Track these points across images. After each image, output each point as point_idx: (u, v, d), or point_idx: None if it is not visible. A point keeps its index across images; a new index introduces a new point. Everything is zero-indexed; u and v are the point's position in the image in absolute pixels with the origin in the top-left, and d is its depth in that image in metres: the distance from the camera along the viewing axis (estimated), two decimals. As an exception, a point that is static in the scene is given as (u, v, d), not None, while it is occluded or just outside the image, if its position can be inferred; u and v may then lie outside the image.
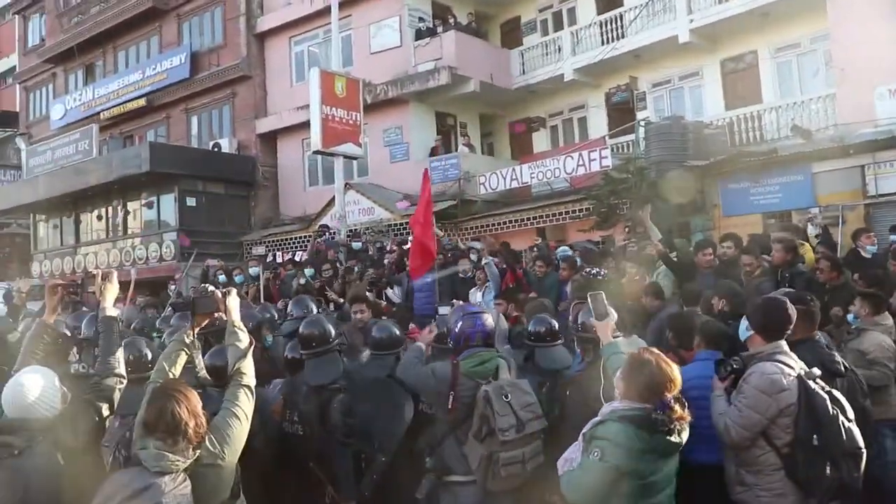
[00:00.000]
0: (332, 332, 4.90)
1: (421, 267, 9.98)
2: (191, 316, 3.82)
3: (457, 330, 4.38)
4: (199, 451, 3.01)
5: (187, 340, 3.71)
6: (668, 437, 3.33)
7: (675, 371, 3.45)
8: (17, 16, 33.40)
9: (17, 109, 33.29)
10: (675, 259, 8.72)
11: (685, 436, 3.42)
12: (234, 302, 3.79)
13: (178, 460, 2.91)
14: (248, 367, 3.52)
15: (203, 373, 3.93)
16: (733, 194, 15.14)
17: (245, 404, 3.36)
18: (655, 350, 3.66)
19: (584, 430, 3.51)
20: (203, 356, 4.15)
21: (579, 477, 3.39)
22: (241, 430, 3.27)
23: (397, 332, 5.24)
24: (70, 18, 29.13)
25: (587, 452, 3.39)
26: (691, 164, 14.85)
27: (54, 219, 26.18)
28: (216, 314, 3.83)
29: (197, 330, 3.79)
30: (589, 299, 4.39)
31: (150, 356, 4.61)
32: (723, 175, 15.17)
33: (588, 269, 9.18)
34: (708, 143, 15.53)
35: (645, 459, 3.33)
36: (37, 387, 3.32)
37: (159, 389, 3.15)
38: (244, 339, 3.64)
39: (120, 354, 3.90)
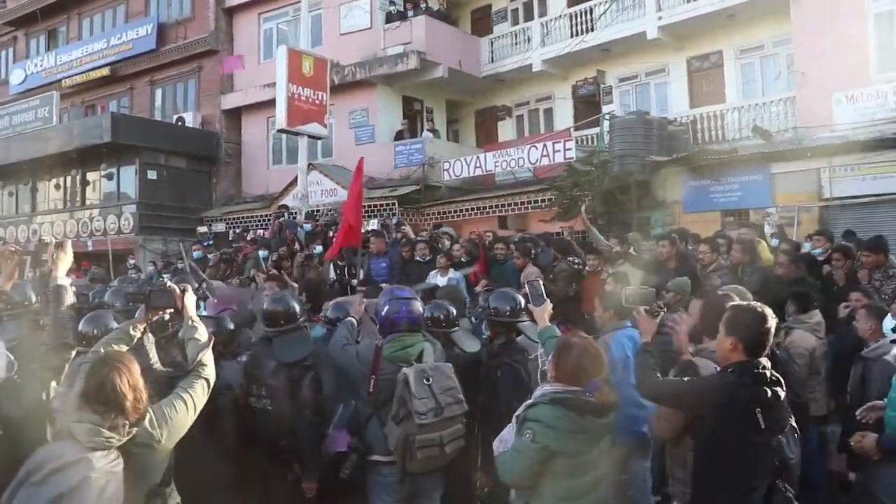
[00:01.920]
0: (298, 309, 4.91)
1: (335, 248, 10.41)
2: (145, 309, 3.73)
3: (383, 314, 4.44)
4: (135, 430, 2.92)
5: (133, 332, 3.61)
6: (597, 419, 3.45)
7: (602, 355, 3.61)
8: (-23, -24, 32.61)
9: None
10: (637, 255, 8.88)
11: (613, 417, 3.55)
12: (190, 298, 3.74)
13: (113, 437, 2.82)
14: (208, 359, 3.49)
15: (158, 365, 3.81)
16: (694, 191, 15.38)
17: (198, 394, 3.31)
18: (584, 334, 3.82)
19: (516, 413, 3.60)
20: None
21: (512, 458, 3.48)
22: (185, 418, 3.20)
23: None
24: (34, -19, 28.51)
25: (520, 434, 3.48)
26: (654, 160, 15.03)
27: (10, 186, 25.71)
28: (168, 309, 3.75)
29: (143, 325, 3.69)
30: (526, 286, 4.51)
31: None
32: (684, 172, 15.39)
33: (571, 259, 9.36)
34: (671, 140, 15.69)
35: (576, 440, 3.42)
36: None
37: (100, 360, 3.05)
38: (203, 332, 3.62)
39: (69, 324, 3.88)
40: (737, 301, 3.68)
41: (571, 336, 3.81)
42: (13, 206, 25.64)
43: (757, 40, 17.36)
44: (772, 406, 3.25)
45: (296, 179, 18.29)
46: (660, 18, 17.71)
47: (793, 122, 15.05)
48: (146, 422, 2.99)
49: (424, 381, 4.11)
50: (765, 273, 7.60)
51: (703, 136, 16.44)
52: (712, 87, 17.98)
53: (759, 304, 3.44)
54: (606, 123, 16.73)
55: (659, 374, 3.60)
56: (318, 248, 12.43)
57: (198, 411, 3.29)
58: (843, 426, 5.44)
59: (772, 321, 3.33)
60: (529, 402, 3.58)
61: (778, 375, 3.36)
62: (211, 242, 15.35)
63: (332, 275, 11.10)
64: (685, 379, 3.55)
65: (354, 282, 10.37)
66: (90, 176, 23.24)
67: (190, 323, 3.67)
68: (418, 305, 4.56)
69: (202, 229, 19.65)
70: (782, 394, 3.32)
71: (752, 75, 17.66)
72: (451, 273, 9.85)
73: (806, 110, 14.60)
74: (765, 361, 3.33)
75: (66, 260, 4.05)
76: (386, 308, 4.44)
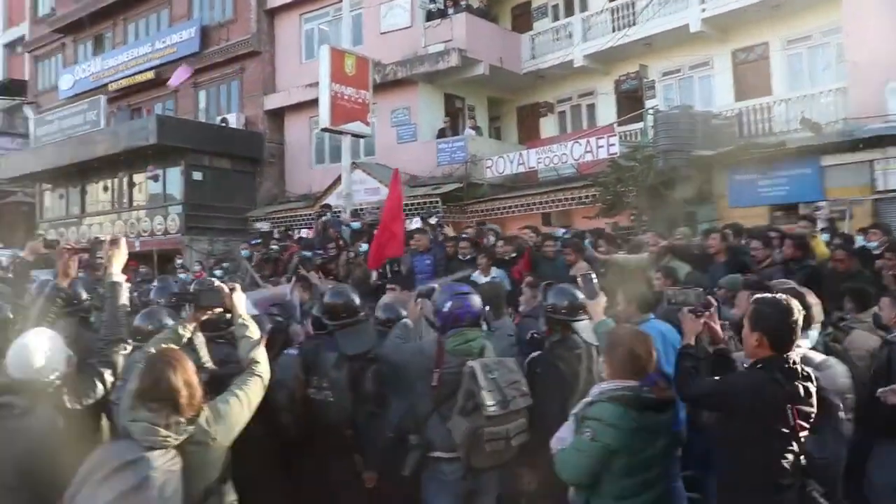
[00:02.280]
0: (358, 301, 4.93)
1: (378, 257, 10.38)
2: (193, 308, 3.75)
3: (445, 310, 4.38)
4: (191, 429, 2.93)
5: (182, 332, 3.63)
6: (656, 415, 3.43)
7: (653, 346, 3.58)
8: (27, -16, 33.32)
9: (27, 78, 33.23)
10: (684, 246, 8.72)
11: (671, 412, 3.53)
12: (239, 296, 3.74)
13: (169, 436, 2.84)
14: (261, 356, 3.50)
15: (210, 364, 3.84)
16: (740, 185, 15.13)
17: (253, 391, 3.32)
18: (630, 326, 3.80)
19: (574, 411, 3.59)
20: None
21: (572, 456, 3.46)
22: (240, 415, 3.21)
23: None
24: (81, -12, 29.04)
25: (579, 432, 3.46)
26: (699, 154, 14.83)
27: (60, 188, 26.25)
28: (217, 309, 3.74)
29: (194, 324, 3.71)
30: (579, 280, 4.48)
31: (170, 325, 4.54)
32: (730, 166, 15.15)
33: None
34: (716, 134, 15.47)
35: (636, 437, 3.37)
36: (42, 349, 3.32)
37: (154, 357, 3.07)
38: (254, 330, 3.62)
39: (124, 320, 3.89)
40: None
41: (620, 328, 3.80)
42: (64, 209, 26.15)
43: (804, 30, 17.02)
44: (802, 402, 3.21)
45: (339, 178, 18.37)
46: (703, 11, 17.48)
47: (843, 114, 14.75)
48: (202, 419, 3.00)
49: (489, 374, 4.06)
50: (816, 268, 7.43)
51: (750, 130, 16.17)
52: (758, 79, 17.64)
53: (784, 296, 3.39)
54: (650, 118, 16.57)
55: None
56: (364, 247, 12.44)
57: (253, 408, 3.29)
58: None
59: (798, 314, 3.28)
60: (587, 399, 3.56)
61: (809, 371, 3.32)
62: (260, 241, 15.47)
63: (375, 274, 11.12)
64: (717, 378, 3.50)
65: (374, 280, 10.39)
66: (137, 177, 23.60)
67: (240, 321, 3.65)
68: (479, 300, 4.49)
69: (263, 226, 19.62)
70: (813, 389, 3.27)
71: (800, 66, 17.34)
72: (494, 271, 9.77)
73: (858, 101, 14.29)
74: (794, 356, 3.29)
75: (121, 257, 4.04)
76: (449, 303, 4.37)
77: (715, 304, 3.98)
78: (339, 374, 4.56)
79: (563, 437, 3.58)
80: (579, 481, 3.51)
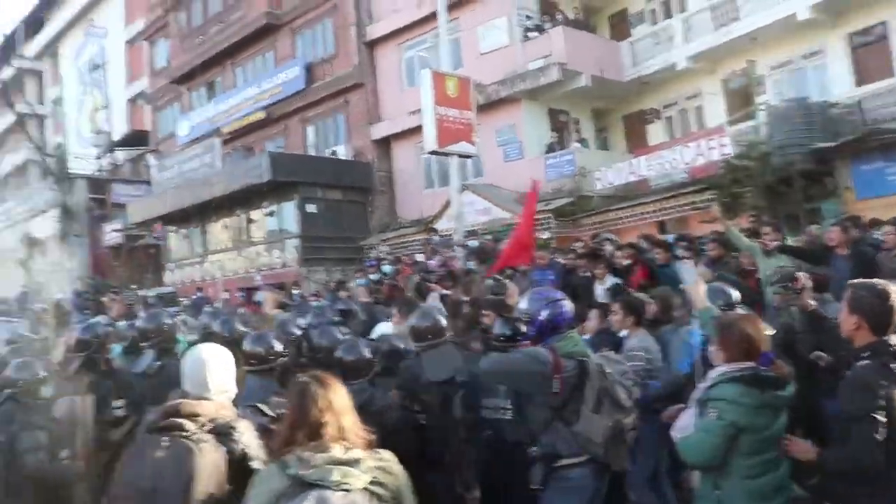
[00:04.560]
0: (445, 323, 4.91)
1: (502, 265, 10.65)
2: None
3: (542, 318, 4.27)
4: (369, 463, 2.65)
5: None
6: (777, 392, 3.47)
7: (760, 326, 3.65)
8: (145, 42, 35.27)
9: (148, 128, 35.14)
10: (798, 246, 8.37)
11: (791, 389, 3.54)
12: None
13: (352, 474, 2.56)
14: None
15: None
16: (867, 175, 14.40)
17: None
18: (738, 310, 3.98)
19: (695, 396, 3.66)
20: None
21: (699, 439, 3.49)
22: None
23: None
24: (192, 40, 30.49)
25: (703, 415, 3.52)
26: (818, 147, 14.22)
27: (183, 229, 27.48)
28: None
29: None
30: (678, 266, 4.81)
31: (277, 348, 4.61)
32: (854, 156, 14.45)
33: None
34: (836, 124, 14.82)
35: (760, 415, 3.42)
36: (218, 366, 3.25)
37: (298, 384, 2.82)
38: None
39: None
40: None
41: (729, 313, 3.90)
42: (188, 248, 27.32)
43: (925, 4, 16.09)
44: None
45: (449, 201, 18.50)
46: (812, -4, 16.81)
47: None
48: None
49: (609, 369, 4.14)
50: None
51: (873, 116, 15.39)
52: (879, 61, 16.75)
53: (880, 281, 3.46)
54: (762, 114, 16.02)
55: None
56: (473, 265, 12.49)
57: None
58: None
59: (895, 298, 3.32)
60: (707, 383, 3.60)
61: None
62: (375, 262, 15.78)
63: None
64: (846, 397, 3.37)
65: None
66: (254, 214, 24.42)
67: None
68: (571, 305, 4.41)
69: (382, 250, 19.95)
70: None
71: (926, 43, 16.39)
72: (609, 279, 9.60)
73: None
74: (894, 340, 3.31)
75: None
76: (546, 312, 4.27)
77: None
78: (431, 398, 4.58)
79: (684, 425, 3.65)
80: (709, 463, 3.52)
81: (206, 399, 3.14)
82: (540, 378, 4.09)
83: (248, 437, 3.07)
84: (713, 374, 3.61)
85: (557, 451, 4.10)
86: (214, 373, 3.23)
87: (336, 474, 2.54)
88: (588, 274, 10.23)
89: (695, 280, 4.47)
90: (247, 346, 4.55)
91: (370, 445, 2.74)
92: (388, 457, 2.75)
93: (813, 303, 5.10)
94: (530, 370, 4.16)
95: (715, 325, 3.83)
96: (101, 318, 9.16)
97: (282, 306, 7.59)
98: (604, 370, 4.06)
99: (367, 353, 4.52)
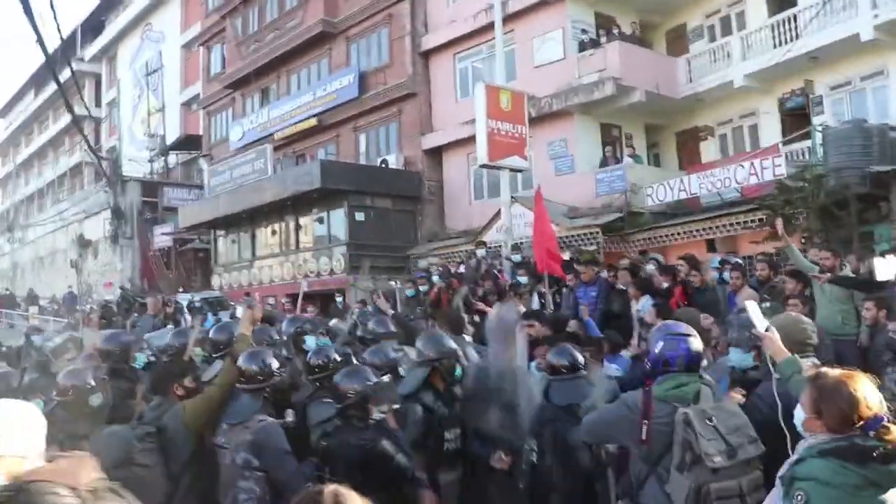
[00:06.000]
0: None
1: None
2: None
3: (656, 352, 3.91)
4: None
5: None
6: (886, 466, 2.72)
7: (865, 385, 2.91)
8: (201, 47, 35.89)
9: (201, 133, 35.70)
10: (849, 275, 8.20)
11: None
12: None
13: None
14: None
15: None
16: (922, 201, 14.07)
17: None
18: (835, 370, 3.06)
19: (780, 473, 2.99)
20: None
21: None
22: None
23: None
24: (248, 46, 30.89)
25: (789, 497, 2.85)
26: (875, 170, 13.92)
27: (232, 234, 27.77)
28: None
29: None
30: (747, 307, 4.11)
31: (273, 366, 4.71)
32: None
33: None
34: (894, 147, 14.50)
35: (861, 497, 2.73)
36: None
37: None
38: None
39: None
40: None
41: (826, 371, 3.07)
42: (236, 253, 27.60)
43: None
44: None
45: (498, 213, 18.46)
46: (876, 17, 16.45)
47: None
48: None
49: (707, 420, 3.53)
50: None
51: (934, 140, 15.03)
52: (944, 84, 16.44)
53: None
54: (818, 136, 15.74)
55: None
56: (524, 279, 12.43)
57: None
58: None
59: None
60: (794, 457, 2.98)
61: None
62: (425, 274, 15.77)
63: (536, 303, 11.08)
64: None
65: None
66: (303, 221, 24.58)
67: None
68: (698, 343, 3.97)
69: (431, 261, 20.00)
70: None
71: None
72: (644, 300, 9.47)
73: None
74: None
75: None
76: (660, 344, 3.92)
77: None
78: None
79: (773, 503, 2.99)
80: None
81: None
82: (627, 424, 3.81)
83: None
84: (802, 446, 3.01)
85: None
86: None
87: None
88: (624, 287, 10.19)
89: (767, 326, 3.86)
90: (241, 362, 4.59)
91: None
92: None
93: None
94: (618, 415, 3.92)
95: (806, 385, 3.10)
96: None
97: (268, 320, 7.40)
98: (689, 420, 3.53)
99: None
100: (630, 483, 3.86)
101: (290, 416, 4.75)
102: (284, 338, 6.74)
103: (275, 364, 4.69)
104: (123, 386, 5.29)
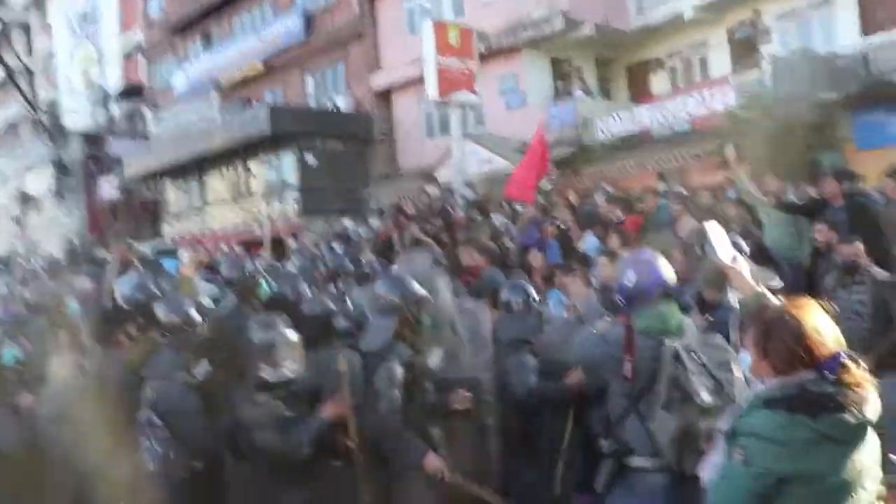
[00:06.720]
0: None
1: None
2: None
3: (630, 284, 3.58)
4: None
5: None
6: (843, 417, 2.23)
7: (819, 319, 2.41)
8: (139, -9, 34.66)
9: (143, 81, 34.65)
10: (793, 202, 8.26)
11: (872, 409, 2.27)
12: None
13: None
14: None
15: None
16: (868, 127, 14.32)
17: None
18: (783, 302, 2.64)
19: (723, 426, 2.55)
20: None
21: (722, 489, 2.42)
22: None
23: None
24: (187, -11, 29.96)
25: (729, 455, 2.41)
26: (822, 98, 14.09)
27: (181, 182, 27.31)
28: None
29: None
30: (695, 239, 3.95)
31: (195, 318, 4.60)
32: (856, 107, 14.33)
33: None
34: (839, 75, 14.65)
35: (814, 454, 2.25)
36: None
37: None
38: None
39: None
40: None
41: (772, 302, 2.78)
42: (186, 201, 27.21)
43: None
44: None
45: (450, 151, 18.36)
46: (820, -59, 16.52)
47: None
48: None
49: (694, 355, 3.37)
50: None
51: (879, 67, 15.19)
52: (886, 12, 16.50)
53: None
54: (766, 66, 15.85)
55: None
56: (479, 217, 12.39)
57: None
58: None
59: None
60: (738, 409, 2.53)
61: None
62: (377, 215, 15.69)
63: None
64: None
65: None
66: (253, 166, 24.29)
67: None
68: (668, 267, 3.67)
69: (383, 200, 19.87)
70: None
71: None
72: (588, 237, 9.43)
73: None
74: None
75: None
76: (632, 274, 3.63)
77: None
78: None
79: (714, 462, 2.54)
80: None
81: None
82: (610, 361, 3.54)
83: None
84: (747, 396, 2.70)
85: (631, 448, 3.45)
86: None
87: None
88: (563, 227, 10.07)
89: (731, 256, 3.22)
90: (160, 313, 4.42)
91: None
92: None
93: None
94: (602, 353, 3.65)
95: (755, 323, 2.56)
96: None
97: (210, 267, 7.28)
98: (679, 355, 3.35)
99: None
100: (607, 419, 3.62)
101: (201, 370, 4.38)
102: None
103: (196, 315, 4.54)
104: None
